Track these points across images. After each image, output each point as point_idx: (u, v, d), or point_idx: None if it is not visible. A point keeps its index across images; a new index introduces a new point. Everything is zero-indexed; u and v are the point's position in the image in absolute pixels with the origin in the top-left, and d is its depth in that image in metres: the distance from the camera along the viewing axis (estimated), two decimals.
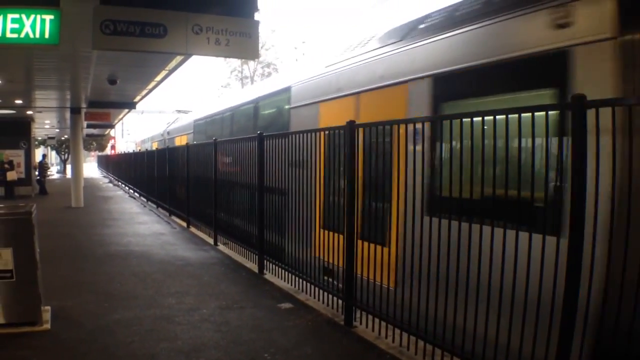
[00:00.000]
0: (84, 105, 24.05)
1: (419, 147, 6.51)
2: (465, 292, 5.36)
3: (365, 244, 7.32)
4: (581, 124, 4.20)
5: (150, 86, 19.90)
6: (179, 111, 43.99)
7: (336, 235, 7.87)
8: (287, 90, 12.46)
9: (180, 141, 24.44)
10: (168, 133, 30.35)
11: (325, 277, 8.81)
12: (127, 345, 6.44)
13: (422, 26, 8.45)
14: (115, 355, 6.13)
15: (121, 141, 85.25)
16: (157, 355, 6.13)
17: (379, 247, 7.22)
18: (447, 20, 7.83)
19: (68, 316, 7.50)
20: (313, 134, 8.35)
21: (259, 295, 8.83)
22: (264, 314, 7.81)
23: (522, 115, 4.68)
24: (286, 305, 8.26)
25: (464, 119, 5.43)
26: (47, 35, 7.68)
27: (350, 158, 7.29)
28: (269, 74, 58.09)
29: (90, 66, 14.88)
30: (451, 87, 7.32)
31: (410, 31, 8.67)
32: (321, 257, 8.76)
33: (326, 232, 8.42)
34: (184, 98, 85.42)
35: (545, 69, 5.90)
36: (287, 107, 12.31)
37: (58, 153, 63.89)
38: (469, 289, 5.30)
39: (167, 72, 16.56)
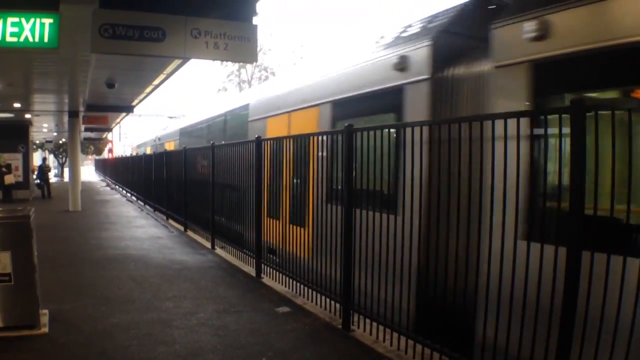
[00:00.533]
0: (81, 108, 24.04)
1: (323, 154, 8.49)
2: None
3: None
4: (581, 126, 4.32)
5: (148, 90, 19.90)
6: (170, 117, 47.38)
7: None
8: (246, 107, 15.54)
9: (169, 147, 27.21)
10: (159, 139, 34.41)
11: (270, 255, 10.53)
12: (125, 349, 6.44)
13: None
14: (113, 359, 6.13)
15: (119, 145, 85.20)
16: (155, 359, 6.13)
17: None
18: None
19: (66, 320, 7.49)
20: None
21: (256, 299, 8.84)
22: (262, 318, 7.81)
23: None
24: (284, 309, 8.26)
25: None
26: (46, 39, 7.67)
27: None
28: (267, 78, 58.14)
29: (88, 70, 14.88)
30: (342, 109, 9.94)
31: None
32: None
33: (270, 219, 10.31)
34: (182, 101, 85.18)
35: (392, 99, 8.27)
36: (246, 120, 15.15)
37: (56, 157, 63.81)
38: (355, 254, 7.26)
39: (165, 75, 16.58)
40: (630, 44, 4.86)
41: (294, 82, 12.77)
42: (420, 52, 7.79)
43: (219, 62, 58.87)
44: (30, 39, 7.65)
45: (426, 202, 6.06)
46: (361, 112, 9.29)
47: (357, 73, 9.40)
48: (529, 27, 5.77)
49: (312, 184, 8.61)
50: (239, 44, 8.41)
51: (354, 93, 9.37)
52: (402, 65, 8.08)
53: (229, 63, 59.17)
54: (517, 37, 5.95)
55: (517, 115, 4.98)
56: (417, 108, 7.69)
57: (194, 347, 6.57)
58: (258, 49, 8.99)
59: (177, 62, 14.14)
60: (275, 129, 12.58)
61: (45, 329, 7.04)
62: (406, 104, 7.95)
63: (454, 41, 7.71)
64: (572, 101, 4.44)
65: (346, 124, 7.45)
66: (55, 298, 8.28)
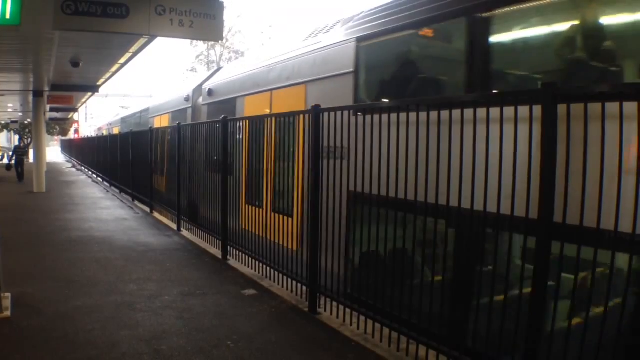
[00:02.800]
0: (46, 88, 23.58)
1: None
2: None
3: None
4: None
5: (114, 69, 19.57)
6: (122, 107, 56.90)
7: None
8: (148, 109, 26.19)
9: (115, 131, 33.05)
10: (110, 124, 43.93)
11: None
12: (88, 333, 6.33)
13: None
14: (76, 343, 6.02)
15: (85, 125, 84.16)
16: (118, 343, 6.02)
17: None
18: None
19: (28, 303, 7.36)
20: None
21: (222, 282, 8.77)
22: (228, 301, 7.74)
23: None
24: (250, 291, 8.20)
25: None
26: (8, 16, 7.49)
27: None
28: (236, 59, 57.73)
29: (52, 48, 14.57)
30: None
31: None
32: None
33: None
34: (150, 81, 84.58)
35: (182, 113, 18.93)
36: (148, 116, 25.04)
37: (21, 137, 62.80)
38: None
39: (131, 54, 16.31)
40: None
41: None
42: (188, 94, 18.25)
43: (189, 41, 58.45)
44: None
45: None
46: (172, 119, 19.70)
47: (169, 100, 21.61)
48: (206, 90, 15.42)
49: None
50: (204, 22, 8.28)
51: (165, 112, 21.76)
52: (186, 99, 18.37)
53: (199, 43, 58.79)
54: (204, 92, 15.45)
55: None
56: (189, 118, 17.79)
57: (157, 330, 6.48)
58: (227, 30, 8.88)
59: (143, 40, 13.89)
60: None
61: (7, 313, 6.90)
62: (187, 115, 18.16)
63: (199, 91, 17.15)
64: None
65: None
66: (18, 281, 8.12)
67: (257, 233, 9.14)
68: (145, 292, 8.07)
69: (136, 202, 19.45)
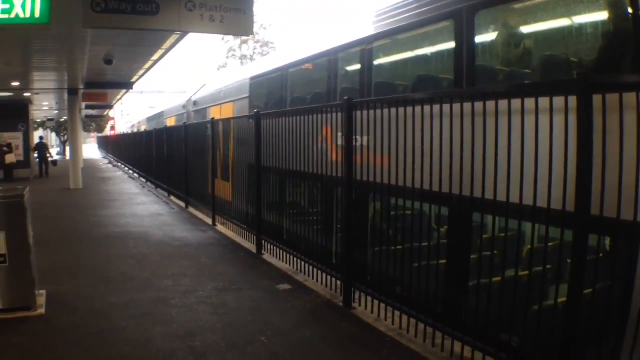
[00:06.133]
0: (81, 86, 23.82)
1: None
2: None
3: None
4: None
5: (147, 66, 19.70)
6: (150, 107, 60.02)
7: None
8: (162, 113, 35.45)
9: (143, 129, 38.61)
10: (139, 122, 52.17)
11: None
12: (122, 330, 6.33)
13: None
14: (109, 340, 6.02)
15: (121, 122, 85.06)
16: (152, 340, 6.01)
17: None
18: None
19: (63, 300, 7.39)
20: None
21: (257, 277, 8.73)
22: (262, 296, 7.70)
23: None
24: (284, 286, 8.15)
25: None
26: (37, 15, 7.51)
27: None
28: (268, 53, 57.66)
29: (85, 46, 14.68)
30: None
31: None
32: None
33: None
34: (185, 76, 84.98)
35: (181, 116, 27.28)
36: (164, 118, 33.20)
37: (57, 135, 63.54)
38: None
39: (163, 51, 16.37)
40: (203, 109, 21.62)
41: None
42: (184, 105, 26.11)
43: (220, 37, 58.56)
44: (21, 15, 7.50)
45: None
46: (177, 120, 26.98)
47: (173, 107, 30.58)
48: (192, 101, 24.37)
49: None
50: (234, 17, 8.23)
51: (172, 115, 30.62)
52: (183, 106, 25.79)
53: (230, 38, 58.84)
54: (191, 103, 24.25)
55: None
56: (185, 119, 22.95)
57: (192, 326, 6.45)
58: (259, 25, 8.86)
59: (174, 37, 13.93)
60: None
61: (42, 310, 6.93)
62: (184, 118, 23.68)
63: (191, 102, 24.30)
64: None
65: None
66: (53, 278, 8.18)
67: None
68: (180, 287, 8.06)
69: (172, 198, 19.55)
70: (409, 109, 5.88)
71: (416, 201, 6.00)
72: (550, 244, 4.51)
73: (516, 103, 4.63)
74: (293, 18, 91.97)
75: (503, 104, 4.80)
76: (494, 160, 4.82)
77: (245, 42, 61.13)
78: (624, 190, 3.93)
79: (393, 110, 6.26)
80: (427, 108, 5.64)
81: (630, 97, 3.88)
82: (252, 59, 59.79)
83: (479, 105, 5.07)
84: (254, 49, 62.56)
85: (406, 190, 6.00)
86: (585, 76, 4.04)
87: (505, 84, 6.12)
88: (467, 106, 5.14)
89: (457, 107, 5.27)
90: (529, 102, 4.50)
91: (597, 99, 4.00)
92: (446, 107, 5.56)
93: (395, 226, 6.75)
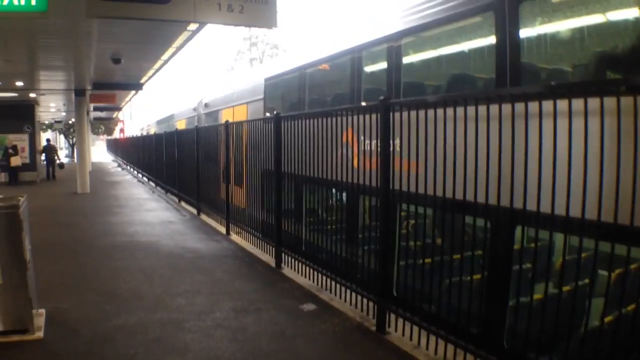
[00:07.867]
0: (88, 87, 23.26)
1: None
2: None
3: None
4: None
5: (156, 65, 19.05)
6: (159, 110, 60.07)
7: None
8: (172, 116, 34.13)
9: (152, 132, 36.21)
10: (148, 125, 50.36)
11: None
12: (130, 359, 5.60)
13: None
14: None
15: (130, 124, 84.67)
16: None
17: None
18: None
19: (64, 321, 6.69)
20: None
21: (277, 295, 7.96)
22: (285, 318, 6.93)
23: None
24: (309, 306, 7.37)
25: None
26: (34, 2, 6.82)
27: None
28: (277, 55, 57.21)
29: (91, 43, 14.03)
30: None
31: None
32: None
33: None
34: (192, 81, 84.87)
35: (192, 118, 25.76)
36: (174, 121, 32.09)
37: (66, 137, 63.00)
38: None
39: (174, 49, 15.67)
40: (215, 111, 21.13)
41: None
42: (194, 107, 25.19)
43: (228, 39, 58.25)
44: (16, 2, 6.82)
45: None
46: (188, 123, 26.23)
47: (184, 109, 28.91)
48: (202, 103, 23.62)
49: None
50: (256, 7, 7.44)
51: (182, 117, 29.13)
52: (194, 108, 24.97)
53: (237, 39, 58.56)
54: (202, 106, 23.52)
55: None
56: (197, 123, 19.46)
57: (209, 355, 5.73)
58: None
59: (186, 33, 13.22)
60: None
61: (40, 334, 6.24)
62: (195, 121, 22.41)
63: (202, 104, 23.58)
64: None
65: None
66: (54, 294, 7.55)
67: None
68: (194, 307, 7.31)
69: (182, 203, 18.89)
70: (459, 110, 5.12)
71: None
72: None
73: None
74: (302, 20, 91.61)
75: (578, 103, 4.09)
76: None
77: (255, 44, 60.82)
78: None
79: (430, 111, 5.55)
80: (481, 109, 4.89)
81: None
82: (261, 61, 59.39)
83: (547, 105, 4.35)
84: (263, 52, 62.19)
85: (466, 205, 5.21)
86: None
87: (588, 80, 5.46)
88: (534, 105, 4.42)
89: (520, 106, 4.56)
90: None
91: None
92: (503, 107, 4.83)
93: (442, 242, 6.00)
